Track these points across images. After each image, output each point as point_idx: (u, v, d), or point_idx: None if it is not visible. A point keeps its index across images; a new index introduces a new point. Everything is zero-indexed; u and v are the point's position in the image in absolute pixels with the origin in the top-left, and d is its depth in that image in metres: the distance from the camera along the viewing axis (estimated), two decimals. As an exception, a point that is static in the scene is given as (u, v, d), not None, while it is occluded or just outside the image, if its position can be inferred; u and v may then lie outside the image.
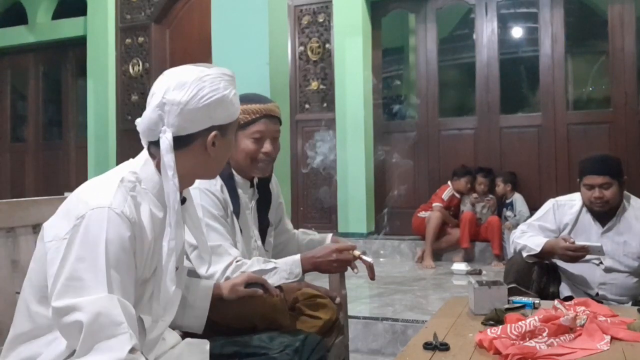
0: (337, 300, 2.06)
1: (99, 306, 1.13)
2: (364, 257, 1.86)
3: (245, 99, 1.90)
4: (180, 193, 1.37)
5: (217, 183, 1.85)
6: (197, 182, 1.78)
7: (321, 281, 2.16)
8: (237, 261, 1.77)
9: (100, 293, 1.14)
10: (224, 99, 1.32)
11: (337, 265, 1.84)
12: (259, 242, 1.98)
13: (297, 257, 1.84)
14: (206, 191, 1.81)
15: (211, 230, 1.78)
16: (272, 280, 1.72)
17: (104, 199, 1.20)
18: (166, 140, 1.28)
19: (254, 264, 1.78)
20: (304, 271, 1.83)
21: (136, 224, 1.22)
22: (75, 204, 1.22)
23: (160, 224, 1.30)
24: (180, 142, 1.30)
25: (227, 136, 1.37)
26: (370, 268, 1.88)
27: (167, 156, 1.27)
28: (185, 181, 1.36)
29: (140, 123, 1.32)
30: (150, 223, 1.27)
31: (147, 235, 1.26)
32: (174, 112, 1.28)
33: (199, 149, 1.33)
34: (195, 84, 1.29)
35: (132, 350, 1.13)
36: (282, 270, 1.80)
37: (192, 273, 1.73)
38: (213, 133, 1.32)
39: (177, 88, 1.29)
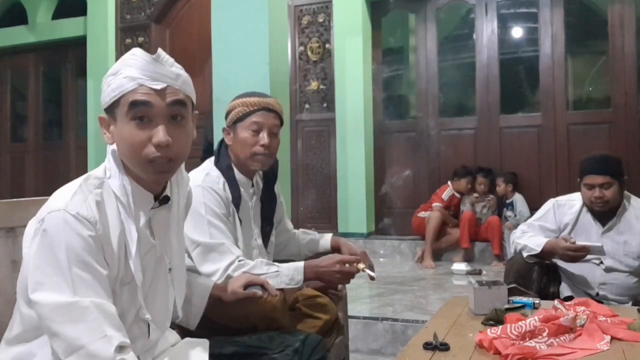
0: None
1: (68, 319, 1.11)
2: (368, 271, 1.86)
3: (245, 94, 1.93)
4: (160, 191, 1.32)
5: (219, 181, 1.85)
6: (200, 180, 1.79)
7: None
8: (239, 260, 1.77)
9: (64, 296, 1.12)
10: (105, 79, 1.24)
11: (340, 276, 1.84)
12: (259, 241, 1.98)
13: (301, 264, 1.83)
14: (209, 189, 1.81)
15: (213, 228, 1.78)
16: (272, 282, 1.72)
17: (61, 201, 1.18)
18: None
19: (257, 267, 1.78)
20: (306, 279, 1.82)
21: (97, 222, 1.17)
22: (43, 207, 1.21)
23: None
24: None
25: (117, 122, 1.24)
26: (372, 280, 1.88)
27: (109, 148, 1.29)
28: (131, 167, 1.27)
29: None
30: (117, 219, 1.23)
31: (112, 232, 1.21)
32: None
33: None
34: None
35: (120, 349, 1.12)
36: (284, 275, 1.79)
37: (196, 272, 1.73)
38: (100, 117, 1.29)
39: None
